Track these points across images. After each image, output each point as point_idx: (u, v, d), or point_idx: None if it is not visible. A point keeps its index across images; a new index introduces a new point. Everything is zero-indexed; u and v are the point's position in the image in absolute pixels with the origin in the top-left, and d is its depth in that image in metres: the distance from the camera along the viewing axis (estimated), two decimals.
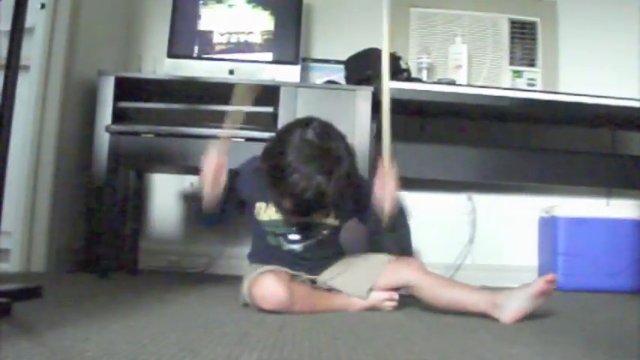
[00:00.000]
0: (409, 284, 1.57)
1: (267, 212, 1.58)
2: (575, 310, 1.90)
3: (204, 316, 1.40)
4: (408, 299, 1.63)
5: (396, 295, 1.60)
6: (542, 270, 2.78)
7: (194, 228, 2.85)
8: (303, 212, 1.46)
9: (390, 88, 2.37)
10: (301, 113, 2.27)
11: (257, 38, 2.65)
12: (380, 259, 1.64)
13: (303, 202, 1.40)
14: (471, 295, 1.53)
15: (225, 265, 2.75)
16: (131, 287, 2.03)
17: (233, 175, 1.57)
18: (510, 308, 1.44)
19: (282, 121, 2.23)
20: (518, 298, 1.45)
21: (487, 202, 2.93)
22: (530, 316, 1.44)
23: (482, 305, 1.48)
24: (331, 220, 1.59)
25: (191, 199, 1.52)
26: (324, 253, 1.62)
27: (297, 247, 1.60)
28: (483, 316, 1.47)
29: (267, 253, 1.61)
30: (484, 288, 1.68)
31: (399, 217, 1.62)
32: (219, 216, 1.58)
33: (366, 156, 2.34)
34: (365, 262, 1.64)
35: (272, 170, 1.43)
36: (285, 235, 1.59)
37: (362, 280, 1.59)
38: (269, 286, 1.44)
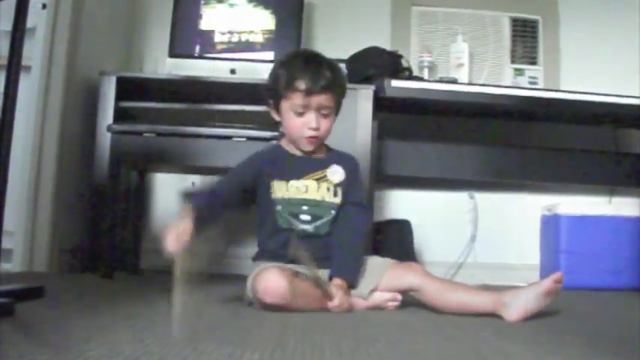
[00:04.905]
0: (413, 288, 1.57)
1: (279, 190, 1.61)
2: (577, 308, 1.90)
3: (206, 315, 1.40)
4: (410, 299, 1.63)
5: (399, 296, 1.60)
6: (544, 268, 2.77)
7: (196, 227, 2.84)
8: (317, 85, 1.55)
9: (392, 87, 2.40)
10: None
11: (258, 37, 2.65)
12: (383, 262, 1.64)
13: (313, 65, 1.58)
14: (477, 296, 1.53)
15: (228, 265, 2.74)
16: (133, 287, 2.03)
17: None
18: (517, 307, 1.43)
19: None
20: (525, 297, 1.44)
21: (489, 201, 2.93)
22: (534, 315, 1.44)
23: (490, 305, 1.47)
24: (337, 199, 1.63)
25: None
26: (332, 238, 1.63)
27: (308, 227, 1.61)
28: (489, 314, 1.47)
29: (277, 244, 1.61)
30: (486, 287, 1.69)
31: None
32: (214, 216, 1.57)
33: (367, 155, 2.34)
34: (368, 264, 1.64)
35: (271, 80, 1.63)
36: (296, 215, 1.60)
37: (364, 281, 1.59)
38: (272, 279, 1.44)
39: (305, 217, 1.61)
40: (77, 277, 2.19)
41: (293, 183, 1.62)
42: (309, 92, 1.56)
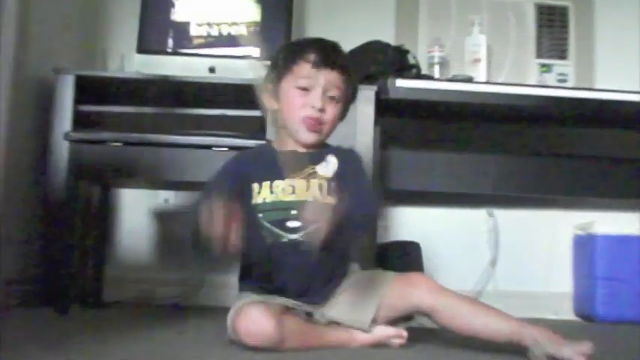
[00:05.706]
0: (421, 310, 1.54)
1: (261, 194, 1.61)
2: (615, 345, 1.90)
3: (182, 355, 1.40)
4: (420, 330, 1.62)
5: (404, 333, 1.58)
6: (578, 297, 2.78)
7: (169, 252, 2.85)
8: (328, 59, 1.59)
9: (397, 87, 2.41)
10: None
11: (242, 30, 2.66)
12: (385, 277, 1.62)
13: (328, 43, 1.63)
14: (500, 320, 1.48)
15: (207, 296, 2.74)
16: (95, 323, 2.03)
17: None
18: (545, 348, 1.40)
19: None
20: (555, 347, 1.39)
21: (511, 219, 2.94)
22: None
23: (515, 334, 1.44)
24: (330, 199, 1.57)
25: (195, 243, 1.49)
26: (327, 251, 1.56)
27: (297, 236, 1.56)
28: (511, 346, 1.45)
29: (263, 263, 1.60)
30: None
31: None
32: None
33: (369, 162, 2.35)
34: (366, 281, 1.62)
35: (276, 60, 1.67)
36: (282, 223, 1.58)
37: (362, 306, 1.56)
38: (255, 317, 1.43)
39: (293, 223, 1.57)
40: (29, 313, 2.18)
41: (278, 183, 1.60)
42: (318, 65, 1.59)
